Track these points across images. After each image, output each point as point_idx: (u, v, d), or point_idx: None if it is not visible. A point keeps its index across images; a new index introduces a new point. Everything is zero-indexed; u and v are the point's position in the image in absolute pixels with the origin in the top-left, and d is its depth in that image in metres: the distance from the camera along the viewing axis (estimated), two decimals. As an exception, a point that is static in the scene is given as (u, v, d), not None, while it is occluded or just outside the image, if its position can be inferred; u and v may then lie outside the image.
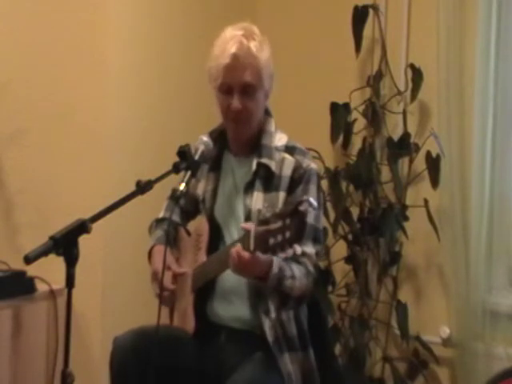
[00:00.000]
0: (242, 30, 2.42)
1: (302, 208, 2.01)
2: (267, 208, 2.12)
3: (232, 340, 2.46)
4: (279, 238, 2.02)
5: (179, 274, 2.51)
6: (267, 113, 2.53)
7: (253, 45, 2.38)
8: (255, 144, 2.48)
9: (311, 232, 2.36)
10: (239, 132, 2.49)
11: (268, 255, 2.13)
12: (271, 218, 2.04)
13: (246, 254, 2.15)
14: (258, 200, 2.42)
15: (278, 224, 2.02)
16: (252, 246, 2.09)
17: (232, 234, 2.48)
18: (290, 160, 2.45)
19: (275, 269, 2.24)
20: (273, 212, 2.06)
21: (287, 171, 2.43)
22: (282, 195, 2.42)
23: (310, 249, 2.37)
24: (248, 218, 2.41)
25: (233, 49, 2.36)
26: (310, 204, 2.02)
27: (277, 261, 2.24)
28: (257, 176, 2.45)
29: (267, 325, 2.37)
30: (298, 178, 2.42)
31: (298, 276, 2.32)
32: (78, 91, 3.30)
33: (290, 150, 2.48)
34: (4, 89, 3.38)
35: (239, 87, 2.39)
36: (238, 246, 2.18)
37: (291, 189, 2.42)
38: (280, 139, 2.50)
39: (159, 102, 3.49)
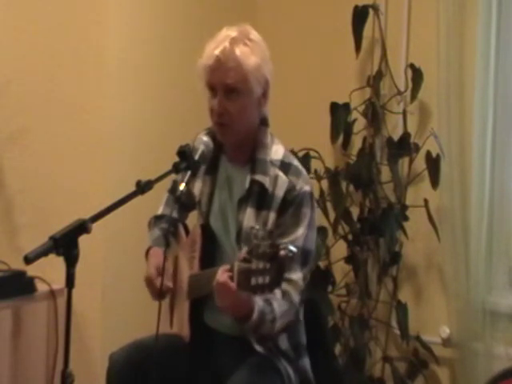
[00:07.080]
0: (235, 32, 2.38)
1: (281, 253, 2.01)
2: (259, 228, 2.10)
3: (229, 345, 2.45)
4: (260, 280, 2.01)
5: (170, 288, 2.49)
6: (264, 123, 2.47)
7: (239, 49, 2.34)
8: (250, 156, 2.44)
9: (299, 256, 2.31)
10: (223, 135, 2.44)
11: (251, 297, 2.15)
12: (254, 257, 2.02)
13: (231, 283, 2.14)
14: (250, 217, 2.40)
15: (260, 265, 2.01)
16: (235, 281, 2.09)
17: (226, 246, 2.47)
18: (283, 180, 2.39)
19: (255, 315, 2.22)
20: (259, 243, 2.04)
21: (280, 192, 2.39)
22: (272, 216, 2.38)
23: (296, 275, 2.33)
24: (239, 234, 2.41)
25: (216, 51, 2.33)
26: (290, 251, 2.02)
27: (259, 306, 2.21)
28: (251, 192, 2.41)
29: (253, 340, 2.37)
30: (290, 201, 2.38)
31: (279, 315, 2.29)
32: (78, 91, 3.30)
33: (285, 167, 2.42)
34: (4, 89, 3.38)
35: (222, 89, 2.36)
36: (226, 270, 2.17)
37: (282, 210, 2.38)
38: (276, 152, 2.45)
39: (159, 101, 3.49)
